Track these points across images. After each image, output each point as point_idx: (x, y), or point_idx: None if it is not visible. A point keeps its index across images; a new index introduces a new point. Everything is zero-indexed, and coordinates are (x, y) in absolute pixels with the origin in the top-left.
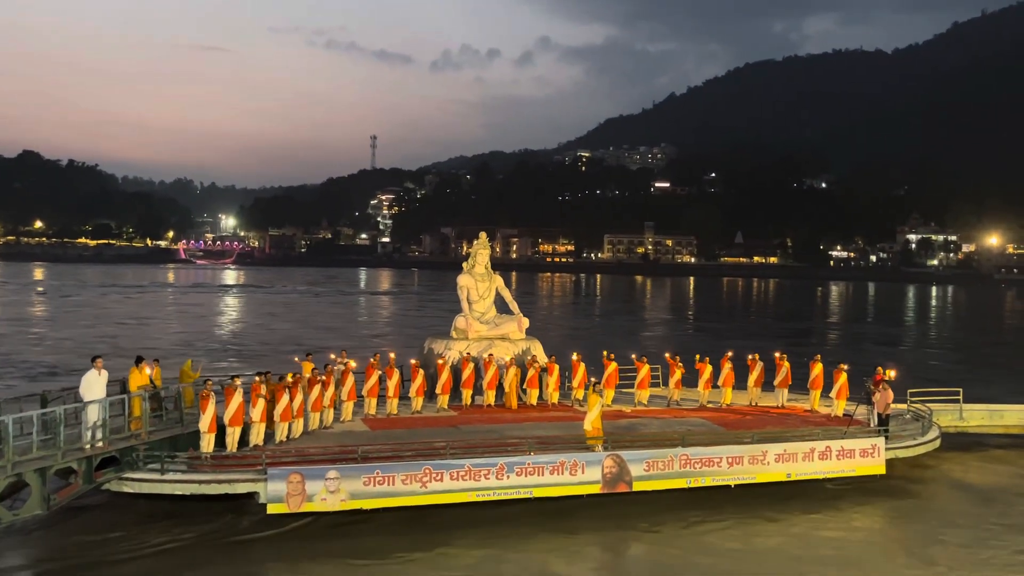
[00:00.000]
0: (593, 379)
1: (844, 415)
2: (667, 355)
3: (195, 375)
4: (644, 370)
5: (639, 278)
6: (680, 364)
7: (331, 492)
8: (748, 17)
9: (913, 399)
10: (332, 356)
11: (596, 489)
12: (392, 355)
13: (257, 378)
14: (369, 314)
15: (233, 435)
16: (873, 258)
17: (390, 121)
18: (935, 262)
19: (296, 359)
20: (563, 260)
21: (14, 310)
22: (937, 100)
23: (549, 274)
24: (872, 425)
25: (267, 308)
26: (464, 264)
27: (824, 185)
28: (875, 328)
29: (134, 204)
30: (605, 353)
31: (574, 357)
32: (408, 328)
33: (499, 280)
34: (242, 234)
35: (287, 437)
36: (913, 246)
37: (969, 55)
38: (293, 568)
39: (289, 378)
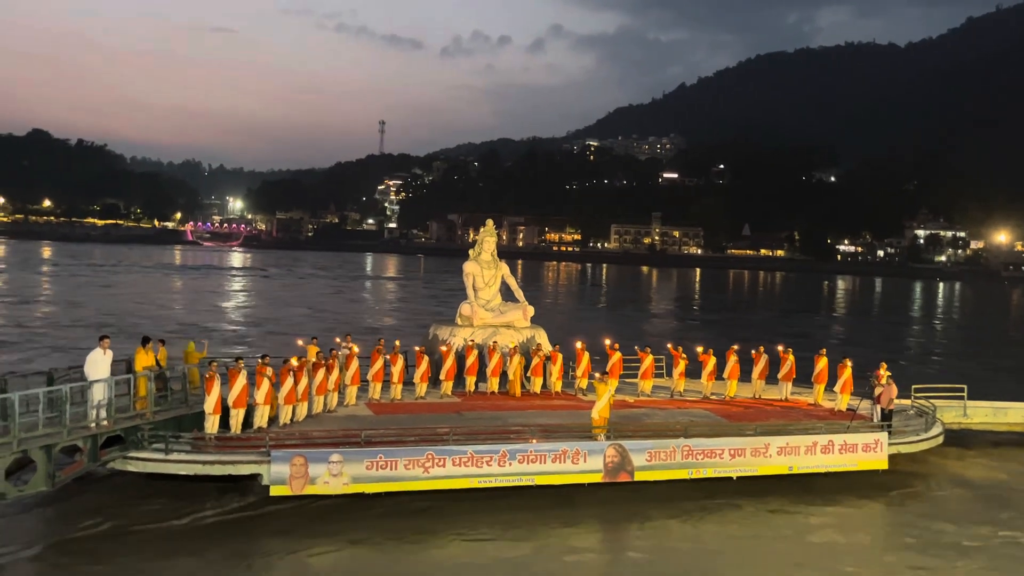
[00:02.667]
0: (597, 372)
1: (848, 409)
2: (670, 346)
3: (200, 355)
4: (648, 360)
5: (645, 268)
6: (684, 355)
7: (334, 475)
8: (761, 7)
9: (917, 395)
10: (337, 340)
11: (598, 478)
12: (397, 341)
13: (261, 360)
14: (375, 299)
15: (237, 417)
16: (880, 253)
17: (399, 106)
18: (943, 258)
19: (301, 342)
20: (569, 249)
21: (22, 288)
22: (949, 95)
23: (555, 263)
24: (875, 420)
25: (272, 291)
26: (470, 251)
27: (833, 179)
28: (881, 323)
29: (142, 185)
30: (608, 343)
31: (578, 346)
32: (413, 314)
33: (505, 268)
34: (249, 217)
35: (291, 420)
36: (921, 242)
37: (983, 50)
38: (294, 550)
39: (294, 361)
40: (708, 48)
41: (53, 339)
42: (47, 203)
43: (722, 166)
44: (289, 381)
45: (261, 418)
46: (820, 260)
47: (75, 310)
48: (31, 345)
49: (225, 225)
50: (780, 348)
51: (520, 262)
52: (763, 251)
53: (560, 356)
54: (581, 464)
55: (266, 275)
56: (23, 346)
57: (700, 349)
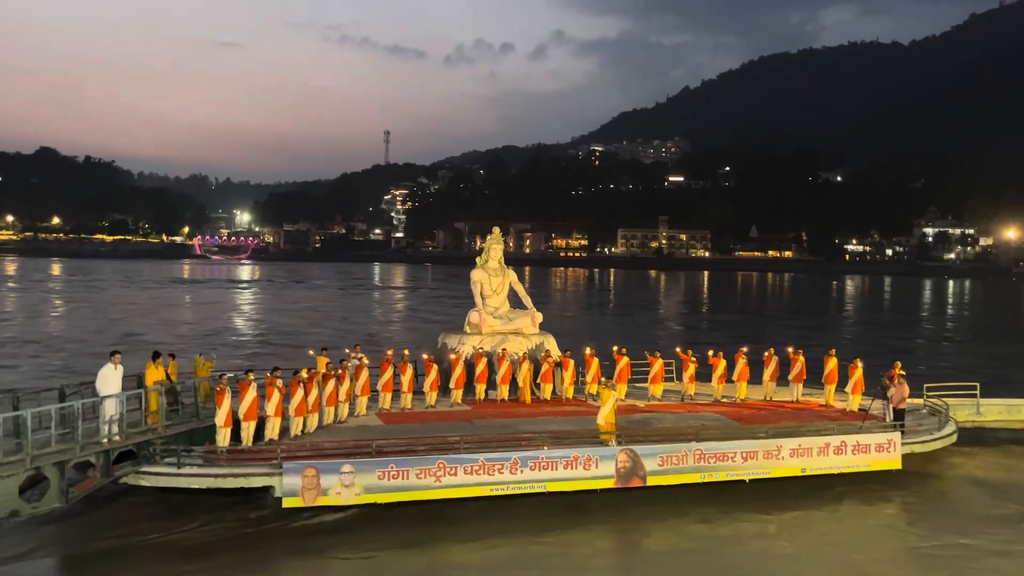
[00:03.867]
0: (603, 378)
1: (859, 410)
2: (679, 349)
3: (209, 364)
4: (657, 364)
5: (653, 272)
6: (694, 359)
7: (346, 486)
8: (764, 8)
9: (929, 394)
10: (347, 351)
11: (610, 484)
12: (406, 350)
13: (271, 373)
14: (383, 309)
15: (248, 429)
16: (889, 252)
17: (403, 116)
18: (952, 256)
19: (311, 353)
20: (577, 255)
21: (30, 305)
22: (954, 92)
23: (563, 269)
24: (887, 420)
25: (281, 303)
26: (478, 259)
27: (839, 178)
28: (891, 322)
29: (150, 200)
30: (616, 348)
31: (588, 352)
32: (422, 323)
33: (512, 275)
34: (256, 229)
35: (302, 431)
36: (930, 240)
37: (987, 47)
38: (307, 561)
39: (304, 373)
40: (711, 50)
41: (63, 355)
42: (56, 220)
43: (728, 168)
44: (299, 393)
45: (272, 430)
46: (828, 260)
47: (84, 326)
48: (42, 362)
49: (233, 238)
50: (790, 349)
51: (527, 269)
52: (771, 252)
53: (572, 362)
54: (593, 470)
55: (280, 286)
56: (34, 363)
57: (710, 352)
